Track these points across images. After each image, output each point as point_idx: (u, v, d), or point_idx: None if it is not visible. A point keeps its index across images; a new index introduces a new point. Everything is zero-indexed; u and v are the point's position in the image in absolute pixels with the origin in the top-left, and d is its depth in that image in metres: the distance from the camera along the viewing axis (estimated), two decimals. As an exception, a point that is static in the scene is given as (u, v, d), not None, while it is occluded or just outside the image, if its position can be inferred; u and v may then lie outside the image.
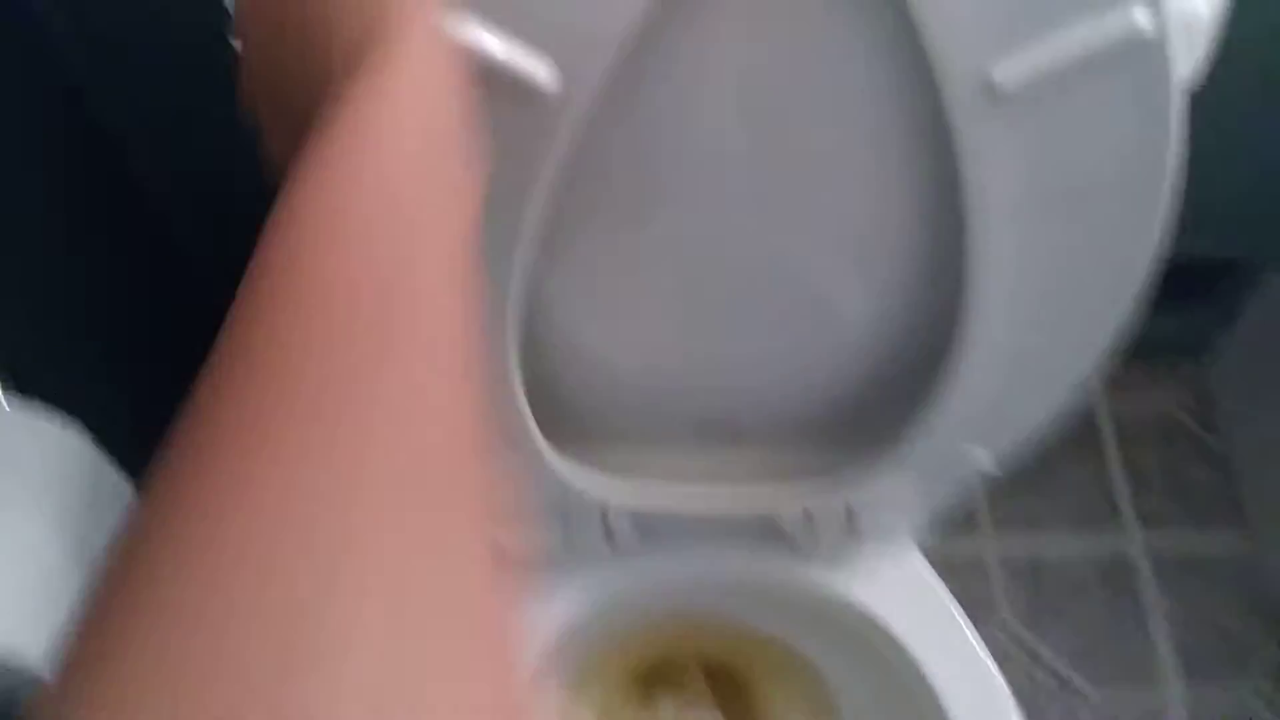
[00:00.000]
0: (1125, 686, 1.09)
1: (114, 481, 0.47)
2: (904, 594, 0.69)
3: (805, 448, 0.63)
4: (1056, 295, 0.49)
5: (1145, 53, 0.39)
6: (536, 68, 0.40)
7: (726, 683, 0.84)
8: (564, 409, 0.59)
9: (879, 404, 0.59)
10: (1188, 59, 0.40)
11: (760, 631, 0.80)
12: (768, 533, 0.67)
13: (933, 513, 0.66)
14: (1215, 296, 1.15)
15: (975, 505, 1.15)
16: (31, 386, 0.48)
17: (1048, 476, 1.17)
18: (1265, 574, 1.15)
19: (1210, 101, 0.45)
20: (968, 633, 0.68)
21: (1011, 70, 0.40)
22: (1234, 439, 1.21)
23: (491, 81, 0.39)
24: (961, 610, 0.69)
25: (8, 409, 0.46)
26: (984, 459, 0.58)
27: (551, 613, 0.68)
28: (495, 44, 0.39)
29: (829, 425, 0.62)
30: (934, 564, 0.70)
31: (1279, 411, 1.13)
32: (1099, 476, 1.18)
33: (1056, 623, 1.11)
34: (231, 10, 0.30)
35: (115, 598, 0.17)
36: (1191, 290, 1.09)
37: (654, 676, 0.84)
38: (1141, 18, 0.38)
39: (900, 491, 0.62)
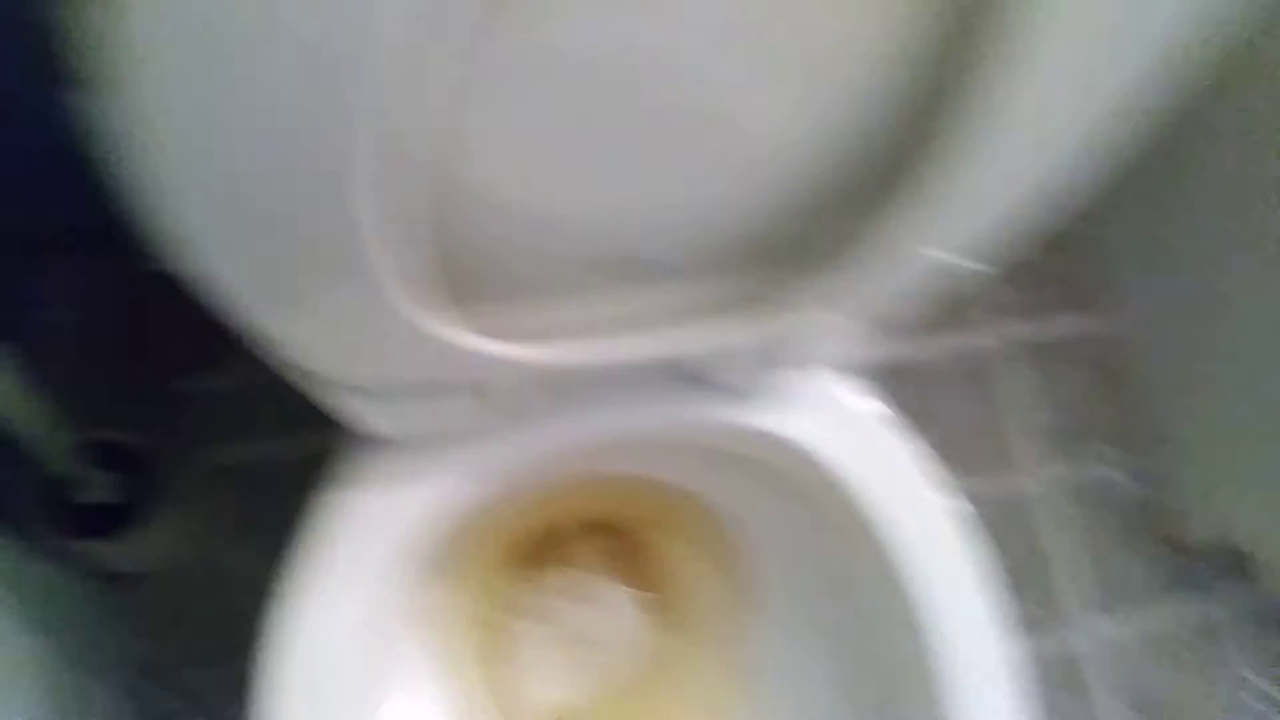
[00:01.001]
0: (987, 472, 1.14)
1: None
2: (830, 421, 0.63)
3: (724, 281, 0.55)
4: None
5: None
6: None
7: (623, 546, 0.80)
8: (468, 269, 0.47)
9: (805, 228, 0.50)
10: None
11: (668, 485, 0.74)
12: (683, 373, 0.61)
13: (861, 334, 0.60)
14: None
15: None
16: None
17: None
18: (1122, 356, 1.20)
19: None
20: (904, 457, 0.65)
21: None
22: (1091, 220, 1.22)
23: None
24: (894, 428, 0.65)
25: None
26: (945, 259, 0.50)
27: (431, 503, 0.59)
28: None
29: (751, 253, 0.53)
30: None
31: (1143, 201, 1.16)
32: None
33: (919, 417, 1.14)
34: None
35: None
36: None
37: (539, 549, 0.79)
38: None
39: (826, 318, 0.55)
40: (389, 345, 0.47)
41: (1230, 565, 1.13)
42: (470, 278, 0.46)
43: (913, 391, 1.15)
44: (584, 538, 0.79)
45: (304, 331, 0.45)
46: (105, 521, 0.82)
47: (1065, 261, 1.22)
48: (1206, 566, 1.15)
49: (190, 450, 0.96)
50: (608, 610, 0.77)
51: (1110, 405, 1.18)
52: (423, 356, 0.47)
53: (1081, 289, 1.22)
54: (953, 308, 1.18)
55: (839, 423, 0.64)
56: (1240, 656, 1.12)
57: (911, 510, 0.63)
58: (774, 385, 0.63)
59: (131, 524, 0.82)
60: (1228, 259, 1.02)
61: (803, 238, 0.50)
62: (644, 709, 0.77)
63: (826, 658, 0.72)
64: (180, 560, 0.93)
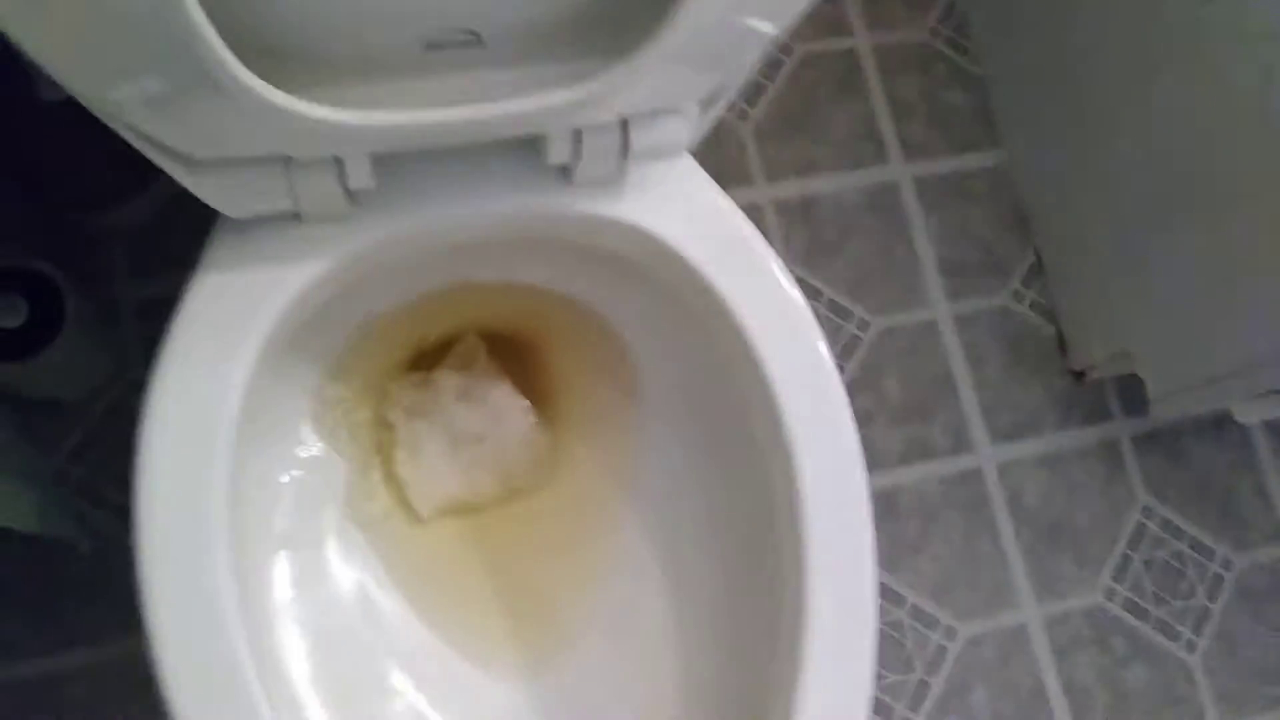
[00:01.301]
0: (898, 309, 1.17)
1: None
2: (689, 212, 0.65)
3: (560, 53, 0.54)
4: None
5: None
6: None
7: (514, 353, 0.83)
8: (272, 34, 0.48)
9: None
10: None
11: (547, 291, 0.76)
12: (535, 168, 0.62)
13: (709, 110, 0.62)
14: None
15: (747, 159, 1.17)
16: None
17: (815, 119, 1.19)
18: (1018, 189, 1.22)
19: None
20: (760, 249, 0.65)
21: None
22: (987, 61, 1.25)
23: None
24: (750, 223, 0.66)
25: None
26: (764, 28, 0.52)
27: (291, 284, 0.60)
28: None
29: (583, 22, 0.53)
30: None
31: (1028, 31, 1.17)
32: (863, 113, 1.21)
33: (833, 259, 1.17)
34: None
35: None
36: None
37: (433, 357, 0.81)
38: None
39: (674, 86, 0.57)
40: (213, 110, 0.48)
41: (1129, 393, 1.17)
42: (291, 55, 0.47)
43: (826, 228, 1.17)
44: (476, 346, 0.81)
45: (127, 94, 0.47)
46: (17, 346, 0.85)
47: (962, 99, 1.23)
48: (1107, 395, 1.19)
49: (102, 282, 0.99)
50: (499, 410, 0.80)
51: (1010, 238, 1.21)
52: (243, 120, 0.49)
53: (980, 125, 1.23)
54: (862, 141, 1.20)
55: (695, 214, 0.66)
56: (1141, 483, 1.17)
57: (764, 299, 0.65)
58: (633, 178, 0.65)
59: (41, 349, 0.85)
60: (1103, 76, 1.04)
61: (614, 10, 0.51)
62: (535, 503, 0.80)
63: (704, 444, 0.75)
64: (90, 389, 0.96)
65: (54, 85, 0.58)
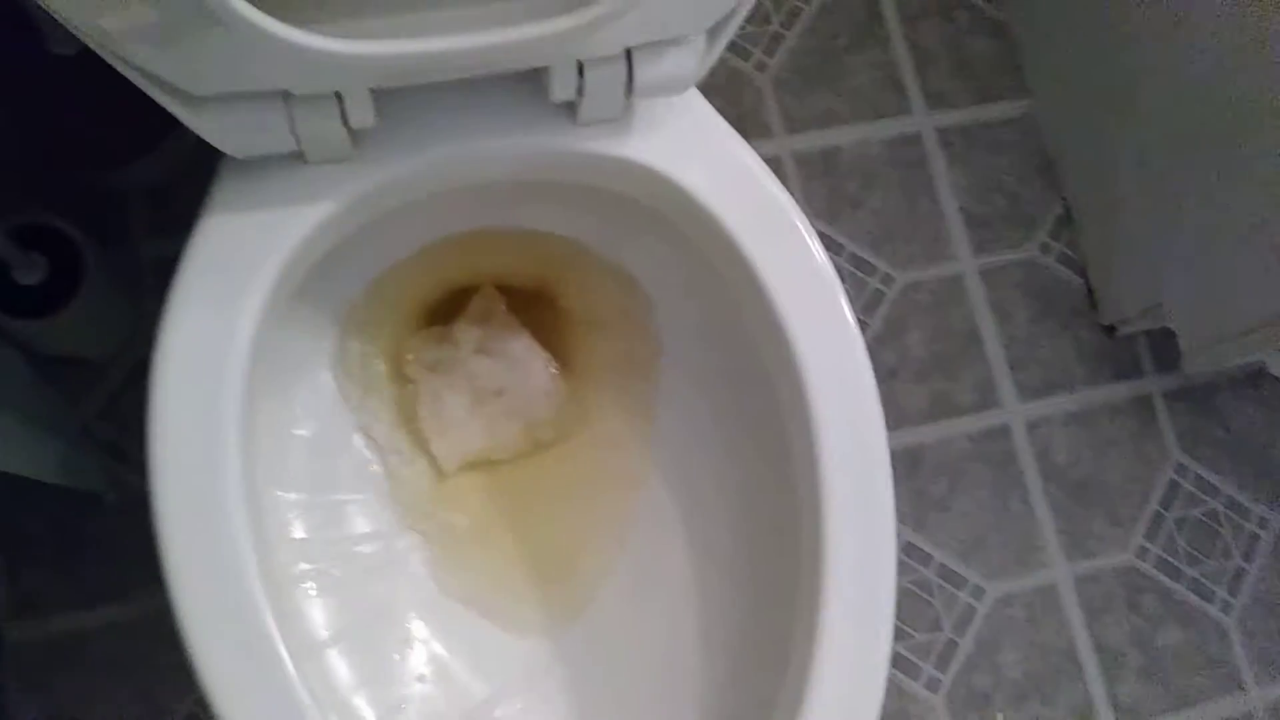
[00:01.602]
0: (922, 263, 1.15)
1: None
2: (698, 150, 0.64)
3: None
4: None
5: None
6: None
7: (532, 305, 0.81)
8: None
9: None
10: None
11: (556, 236, 0.75)
12: (539, 107, 0.61)
13: (716, 42, 0.60)
14: None
15: (766, 110, 1.16)
16: None
17: (834, 69, 1.16)
18: (1045, 138, 1.20)
19: None
20: (776, 194, 0.64)
21: None
22: (1012, 5, 1.21)
23: None
24: (765, 165, 0.65)
25: None
26: None
27: (298, 226, 0.59)
28: None
29: None
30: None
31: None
32: (884, 62, 1.18)
33: (855, 213, 1.15)
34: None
35: None
36: None
37: (451, 311, 0.80)
38: None
39: (677, 11, 0.56)
40: (209, 42, 0.48)
41: (1162, 348, 1.14)
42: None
43: (847, 180, 1.15)
44: (494, 298, 0.81)
45: (118, 24, 0.46)
46: (37, 303, 0.86)
47: (986, 46, 1.21)
48: (1139, 349, 1.16)
49: (121, 240, 0.99)
50: (519, 363, 0.80)
51: (1037, 189, 1.18)
52: (240, 53, 0.49)
53: (1005, 73, 1.21)
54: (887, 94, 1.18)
55: (705, 154, 0.64)
56: (1174, 440, 1.14)
57: (783, 249, 0.64)
58: (640, 117, 0.64)
59: (60, 306, 0.85)
60: (1133, 17, 1.01)
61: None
62: (556, 456, 0.80)
63: (724, 396, 0.75)
64: (114, 347, 0.97)
65: (65, 39, 0.58)
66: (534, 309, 0.82)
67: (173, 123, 0.55)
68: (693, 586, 0.75)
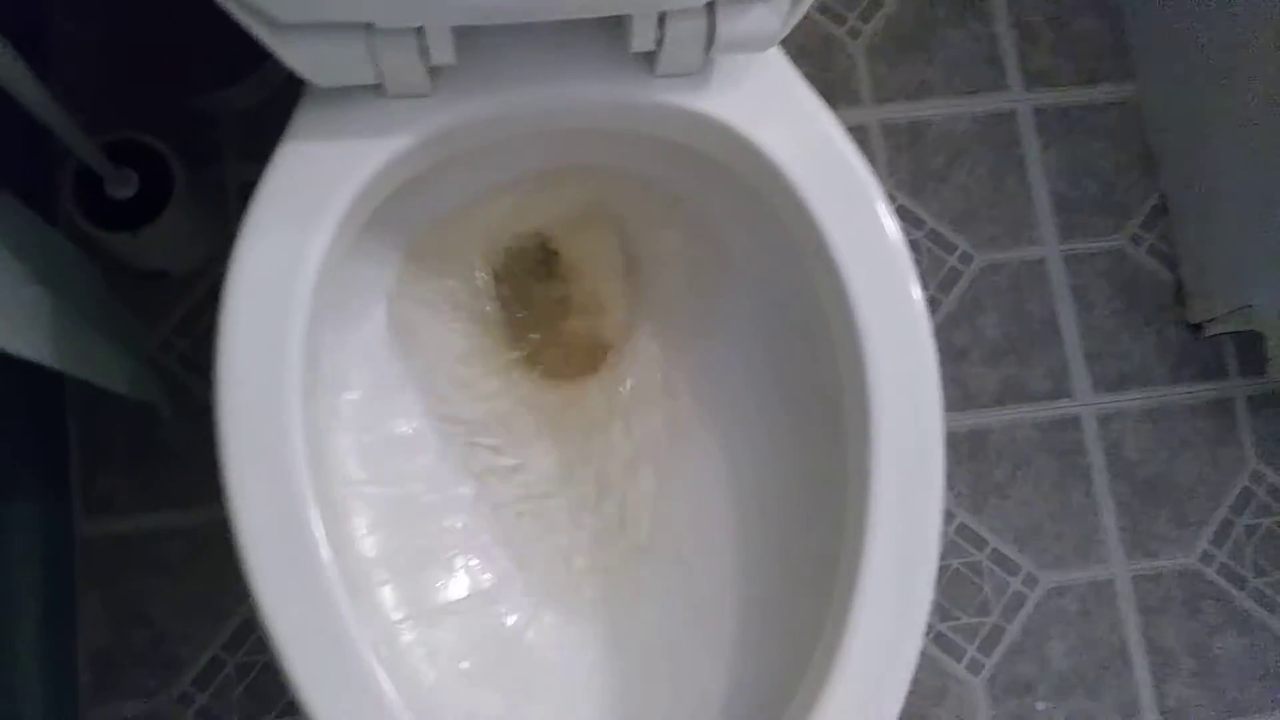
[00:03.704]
0: (1005, 244, 1.12)
1: None
2: (777, 111, 0.63)
3: None
4: None
5: None
6: None
7: (594, 236, 0.81)
8: None
9: None
10: None
11: (635, 174, 0.75)
12: (619, 56, 0.61)
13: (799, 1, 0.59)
14: None
15: (857, 77, 1.14)
16: None
17: (932, 40, 1.13)
18: (1148, 126, 1.15)
19: None
20: (856, 165, 0.63)
21: None
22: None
23: None
24: (841, 129, 0.63)
25: None
26: None
27: (373, 157, 0.61)
28: None
29: None
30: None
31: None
32: (985, 36, 1.15)
33: (940, 188, 1.12)
34: None
35: None
36: None
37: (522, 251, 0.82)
38: None
39: None
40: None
41: (1249, 351, 1.10)
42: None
43: (934, 154, 1.13)
44: (573, 233, 0.81)
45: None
46: (128, 217, 0.89)
47: (1095, 26, 1.16)
48: (1224, 351, 1.13)
49: (211, 161, 1.02)
50: (586, 281, 0.81)
51: (1133, 178, 1.14)
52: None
53: (1112, 56, 1.16)
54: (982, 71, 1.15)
55: (784, 115, 0.64)
56: (1252, 447, 1.11)
57: (856, 220, 0.63)
58: (720, 73, 0.63)
59: (150, 220, 0.88)
60: (1250, 30, 0.96)
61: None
62: (612, 395, 0.80)
63: (781, 359, 0.74)
64: (197, 264, 1.00)
65: None
66: (597, 240, 0.82)
67: (265, 52, 0.56)
68: (732, 546, 0.76)
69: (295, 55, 0.56)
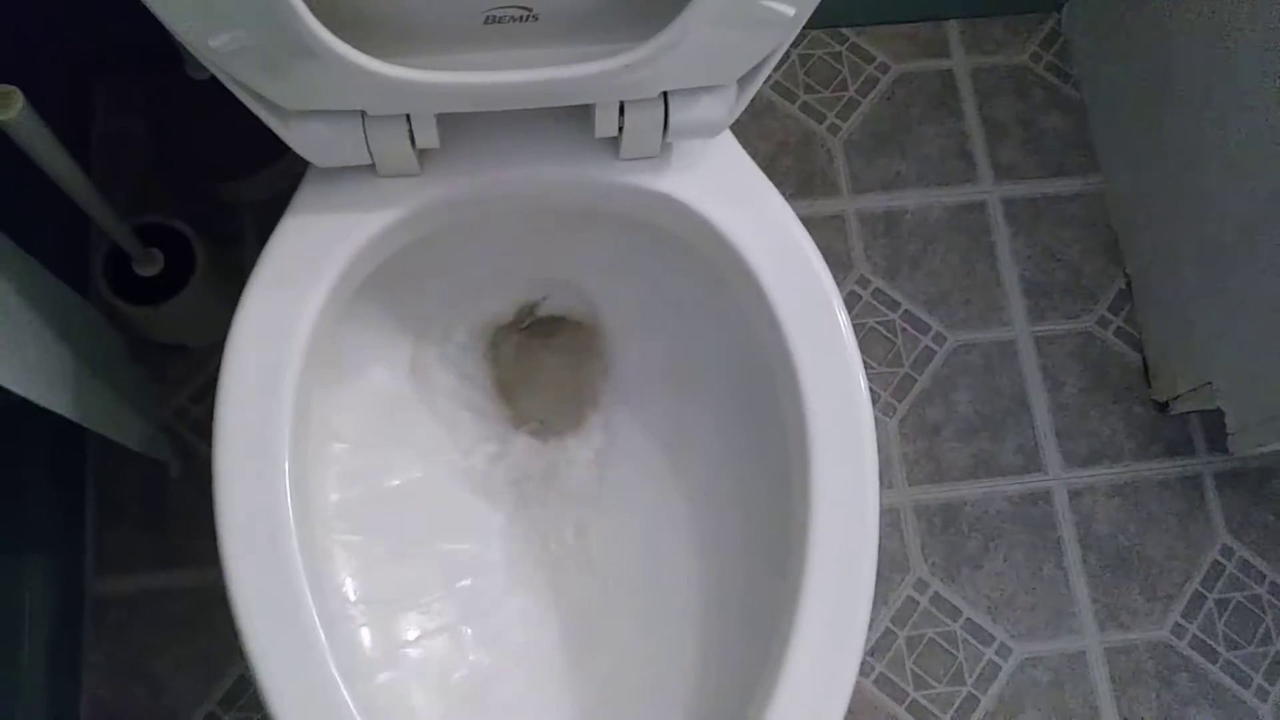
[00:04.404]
0: (977, 325, 1.18)
1: None
2: (726, 187, 0.70)
3: (607, 33, 0.60)
4: None
5: None
6: None
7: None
8: (355, 7, 0.56)
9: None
10: None
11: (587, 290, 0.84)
12: (585, 142, 0.69)
13: (747, 89, 0.66)
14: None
15: (835, 170, 1.21)
16: None
17: (906, 136, 1.22)
18: (1112, 214, 1.22)
19: None
20: (794, 230, 0.70)
21: None
22: (1088, 86, 1.25)
23: None
24: (785, 205, 0.70)
25: None
26: (783, 9, 0.57)
27: (365, 228, 0.68)
28: None
29: (623, 5, 0.59)
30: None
31: (1130, 55, 1.18)
32: (956, 133, 1.23)
33: (914, 272, 1.19)
34: None
35: None
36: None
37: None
38: None
39: (708, 62, 0.62)
40: (301, 65, 0.57)
41: (1215, 428, 1.15)
42: (370, 27, 0.55)
43: (908, 241, 1.20)
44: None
45: (224, 42, 0.55)
46: (152, 292, 0.97)
47: (1060, 123, 1.24)
48: (1191, 428, 1.17)
49: (231, 244, 1.10)
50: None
51: (1100, 263, 1.20)
52: (326, 75, 0.57)
53: (1076, 150, 1.24)
54: (952, 162, 1.22)
55: (733, 191, 0.71)
56: (1222, 521, 1.14)
57: (792, 276, 0.70)
58: (677, 157, 0.71)
59: (171, 296, 0.96)
60: (1201, 104, 1.03)
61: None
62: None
63: (737, 423, 0.80)
64: (214, 339, 1.07)
65: (199, 65, 0.67)
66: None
67: (285, 146, 0.64)
68: (695, 572, 0.81)
69: (298, 138, 0.64)
